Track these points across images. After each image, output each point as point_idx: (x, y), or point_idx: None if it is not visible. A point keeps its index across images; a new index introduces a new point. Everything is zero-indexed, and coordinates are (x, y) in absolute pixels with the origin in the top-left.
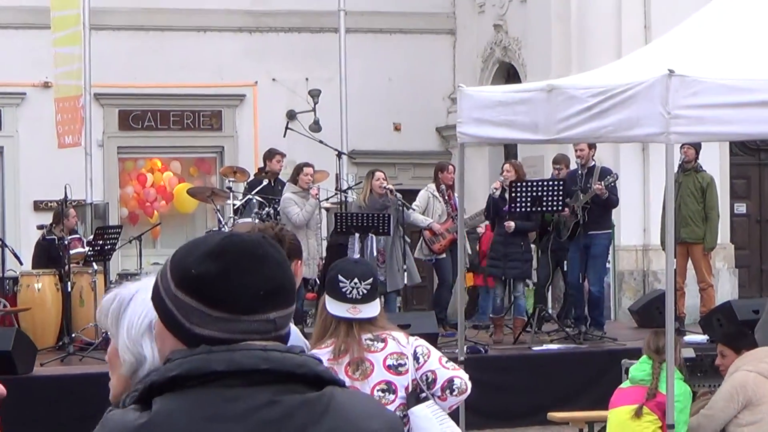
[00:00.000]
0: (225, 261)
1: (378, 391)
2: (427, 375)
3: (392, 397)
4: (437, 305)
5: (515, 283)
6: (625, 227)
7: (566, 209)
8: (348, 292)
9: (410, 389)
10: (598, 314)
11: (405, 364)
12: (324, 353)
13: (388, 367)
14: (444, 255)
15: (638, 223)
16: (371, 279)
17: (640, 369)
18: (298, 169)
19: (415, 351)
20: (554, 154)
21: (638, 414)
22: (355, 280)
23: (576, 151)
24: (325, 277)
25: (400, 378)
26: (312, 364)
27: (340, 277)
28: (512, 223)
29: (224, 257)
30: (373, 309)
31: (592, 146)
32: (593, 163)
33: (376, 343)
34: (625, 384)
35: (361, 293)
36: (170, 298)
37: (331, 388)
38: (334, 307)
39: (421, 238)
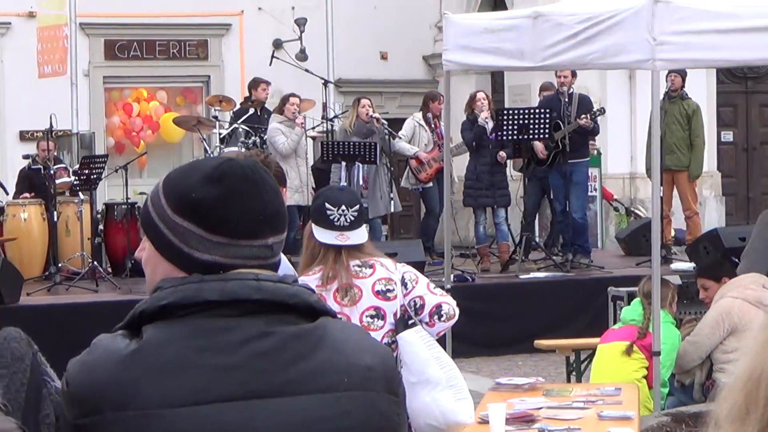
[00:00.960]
0: (225, 185)
1: (367, 317)
2: (415, 301)
3: (381, 323)
4: (424, 234)
5: (497, 210)
6: (612, 155)
7: (541, 142)
8: (335, 219)
9: (399, 315)
10: (583, 241)
11: (393, 289)
12: (312, 280)
13: (377, 293)
14: (431, 184)
15: (625, 152)
16: (358, 206)
17: (631, 310)
18: (285, 99)
19: (403, 277)
20: (541, 83)
21: (628, 352)
22: (342, 207)
23: (559, 77)
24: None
25: (388, 304)
26: (304, 295)
27: (327, 205)
28: (504, 154)
29: (224, 181)
30: (360, 235)
31: (573, 74)
32: (572, 90)
33: (364, 269)
34: (617, 325)
35: (348, 220)
36: (166, 223)
37: (324, 319)
38: (322, 234)
39: (408, 167)
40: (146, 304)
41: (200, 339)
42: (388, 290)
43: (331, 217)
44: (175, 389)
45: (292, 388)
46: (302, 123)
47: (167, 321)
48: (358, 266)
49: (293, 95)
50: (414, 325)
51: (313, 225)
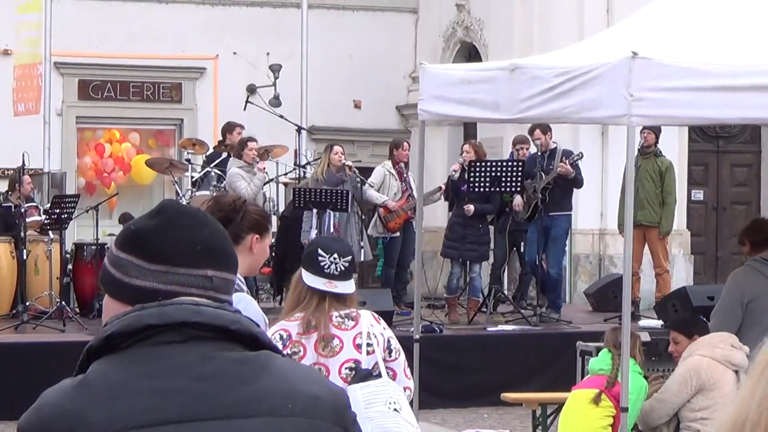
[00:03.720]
0: (163, 217)
1: (346, 369)
2: (389, 371)
3: None
4: (386, 284)
5: (471, 264)
6: (582, 211)
7: (521, 196)
8: (326, 266)
9: (360, 368)
10: (555, 296)
11: (372, 344)
12: (293, 326)
13: (357, 346)
14: (397, 234)
15: (595, 207)
16: (350, 257)
17: (599, 361)
18: (243, 144)
19: (388, 342)
20: (513, 136)
21: (597, 401)
22: (335, 255)
23: (534, 142)
24: (303, 252)
25: (368, 358)
26: (247, 324)
27: (320, 251)
28: (472, 207)
29: (162, 214)
30: (349, 286)
31: (546, 131)
32: (554, 145)
33: (346, 321)
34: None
35: (339, 269)
36: (111, 261)
37: (268, 352)
38: (311, 279)
39: (376, 215)
40: (93, 340)
41: (143, 365)
42: (368, 344)
43: (322, 264)
44: (119, 414)
45: (236, 411)
46: (264, 168)
47: (113, 353)
48: (341, 318)
49: (251, 139)
50: (378, 376)
51: (303, 270)
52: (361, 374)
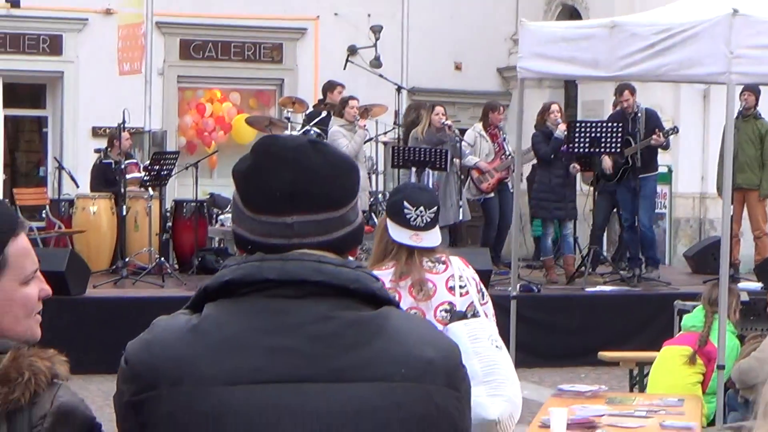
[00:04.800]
0: (253, 159)
1: (441, 311)
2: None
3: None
4: (485, 245)
5: (565, 222)
6: (682, 175)
7: (610, 158)
8: (412, 219)
9: (457, 310)
10: (652, 253)
11: (465, 286)
12: (385, 274)
13: (450, 289)
14: (492, 194)
15: (696, 171)
16: (436, 207)
17: (692, 317)
18: (344, 103)
19: (480, 286)
20: (613, 98)
21: (692, 361)
22: (421, 208)
23: (622, 102)
24: (388, 199)
25: (462, 299)
26: (367, 281)
27: (406, 204)
28: (578, 166)
29: (253, 154)
30: (435, 237)
31: (633, 92)
32: (639, 106)
33: (437, 265)
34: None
35: (425, 221)
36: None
37: (387, 308)
38: (397, 232)
39: (469, 177)
40: (211, 280)
41: (259, 319)
42: (461, 286)
43: (408, 216)
44: (231, 367)
45: (346, 375)
46: (364, 126)
47: (229, 299)
48: (431, 262)
49: (352, 98)
50: (475, 316)
51: (388, 220)
52: (457, 315)
